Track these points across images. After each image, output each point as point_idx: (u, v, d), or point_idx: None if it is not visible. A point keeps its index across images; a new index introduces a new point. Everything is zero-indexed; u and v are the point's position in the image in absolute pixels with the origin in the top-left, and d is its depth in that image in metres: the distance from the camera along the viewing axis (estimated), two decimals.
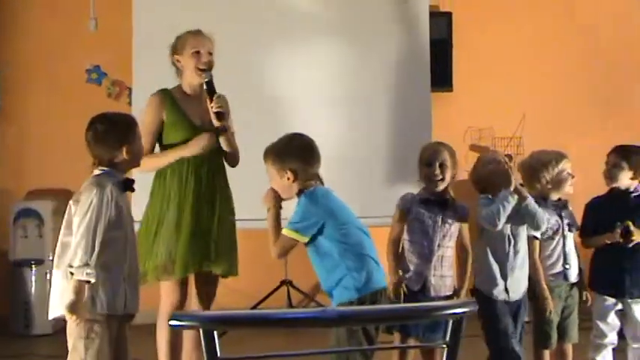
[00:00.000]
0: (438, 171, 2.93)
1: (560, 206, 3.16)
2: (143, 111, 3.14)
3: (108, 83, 5.22)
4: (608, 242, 3.20)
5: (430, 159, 2.95)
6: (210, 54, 3.09)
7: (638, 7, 5.39)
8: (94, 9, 5.06)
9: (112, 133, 2.51)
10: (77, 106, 4.65)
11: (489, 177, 3.02)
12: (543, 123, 5.26)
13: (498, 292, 2.93)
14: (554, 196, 3.16)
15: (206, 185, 3.09)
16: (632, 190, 3.30)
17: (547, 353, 3.12)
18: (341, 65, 4.82)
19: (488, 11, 5.41)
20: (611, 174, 3.30)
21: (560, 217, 3.14)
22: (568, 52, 5.43)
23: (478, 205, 2.98)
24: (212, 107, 3.03)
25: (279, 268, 4.86)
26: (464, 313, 1.28)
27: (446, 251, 2.94)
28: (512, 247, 2.96)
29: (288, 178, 2.58)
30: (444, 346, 1.28)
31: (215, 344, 1.24)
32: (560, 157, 3.17)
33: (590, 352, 3.31)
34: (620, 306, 3.25)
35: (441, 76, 5.03)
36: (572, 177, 3.15)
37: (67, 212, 2.48)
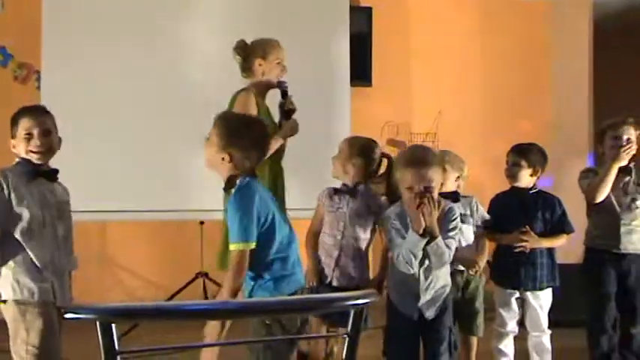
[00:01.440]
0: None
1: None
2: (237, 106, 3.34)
3: (14, 66, 5.00)
4: (506, 243, 3.33)
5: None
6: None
7: (550, 10, 5.60)
8: None
9: (17, 125, 2.51)
10: None
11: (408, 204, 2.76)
12: (458, 120, 5.40)
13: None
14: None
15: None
16: (530, 187, 3.42)
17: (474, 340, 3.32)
18: None
19: (408, 7, 5.50)
20: (511, 173, 3.39)
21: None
22: (485, 51, 5.59)
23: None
24: (285, 105, 3.47)
25: (195, 260, 4.81)
26: (365, 304, 1.30)
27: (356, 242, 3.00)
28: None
29: (223, 159, 2.44)
30: (345, 336, 1.29)
31: (113, 337, 1.21)
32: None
33: (493, 341, 3.44)
34: (517, 294, 3.38)
35: (361, 71, 5.08)
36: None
37: None
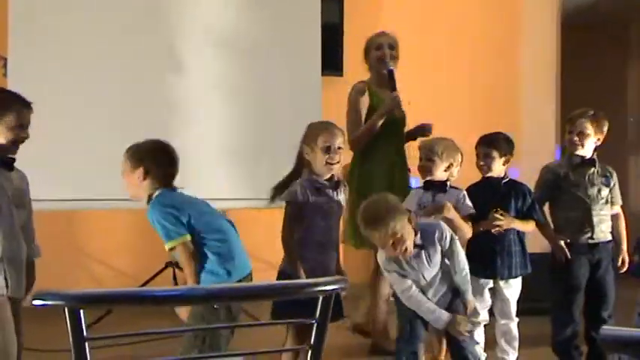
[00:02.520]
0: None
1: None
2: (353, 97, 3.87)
3: None
4: (482, 229, 3.37)
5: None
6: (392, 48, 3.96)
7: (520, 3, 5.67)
8: None
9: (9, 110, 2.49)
10: None
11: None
12: (427, 111, 5.43)
13: None
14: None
15: None
16: (502, 177, 3.47)
17: None
18: (229, 49, 4.76)
19: None
20: (485, 164, 3.42)
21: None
22: (454, 42, 5.64)
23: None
24: (393, 93, 3.78)
25: (164, 249, 4.78)
26: (334, 290, 1.32)
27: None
28: None
29: (138, 177, 2.66)
30: (314, 322, 1.31)
31: (81, 323, 1.21)
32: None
33: None
34: (491, 284, 3.44)
35: (332, 61, 5.09)
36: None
37: None
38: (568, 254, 3.43)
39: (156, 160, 2.69)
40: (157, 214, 2.60)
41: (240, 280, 2.57)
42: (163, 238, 2.62)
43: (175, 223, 2.57)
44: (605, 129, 3.49)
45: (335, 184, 2.96)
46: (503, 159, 3.42)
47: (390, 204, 2.70)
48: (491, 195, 3.40)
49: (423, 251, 2.80)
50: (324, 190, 2.92)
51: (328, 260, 2.94)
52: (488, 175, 3.44)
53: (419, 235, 2.78)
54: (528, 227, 3.43)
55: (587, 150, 3.48)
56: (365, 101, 3.84)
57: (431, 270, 2.84)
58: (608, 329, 0.94)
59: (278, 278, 2.90)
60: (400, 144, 3.88)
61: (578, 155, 3.48)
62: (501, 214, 3.33)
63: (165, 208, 2.61)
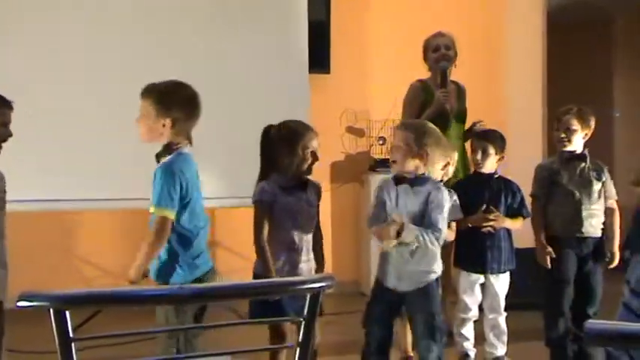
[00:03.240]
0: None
1: None
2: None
3: None
4: (471, 225, 3.38)
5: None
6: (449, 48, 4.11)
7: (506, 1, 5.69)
8: None
9: None
10: None
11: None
12: None
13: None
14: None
15: None
16: (493, 173, 3.49)
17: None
18: (218, 47, 4.74)
19: None
20: (482, 159, 3.46)
21: None
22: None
23: None
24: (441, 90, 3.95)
25: None
26: (322, 287, 1.32)
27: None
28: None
29: (164, 125, 2.49)
30: (301, 320, 1.31)
31: (67, 324, 1.20)
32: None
33: (454, 327, 3.50)
34: (482, 280, 3.45)
35: (319, 59, 5.08)
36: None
37: None
38: (553, 254, 3.43)
39: (186, 110, 2.52)
40: (166, 175, 2.45)
41: (205, 274, 2.53)
42: (152, 199, 2.48)
43: (173, 193, 2.43)
44: (592, 123, 3.51)
45: (303, 184, 2.94)
46: (498, 156, 3.46)
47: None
48: (481, 190, 3.43)
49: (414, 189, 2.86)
50: (292, 190, 2.89)
51: (299, 260, 2.90)
52: (480, 170, 3.46)
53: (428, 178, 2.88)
54: (517, 225, 3.47)
55: (575, 145, 3.50)
56: (420, 97, 4.06)
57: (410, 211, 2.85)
58: (592, 323, 0.95)
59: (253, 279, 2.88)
60: (451, 135, 3.86)
61: (567, 151, 3.50)
62: (493, 214, 3.35)
63: (175, 174, 2.46)
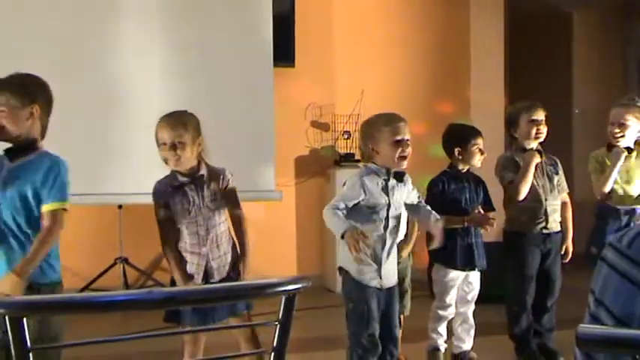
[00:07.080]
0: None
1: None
2: None
3: None
4: (457, 226, 3.35)
5: None
6: None
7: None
8: None
9: None
10: None
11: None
12: (381, 100, 5.42)
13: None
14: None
15: None
16: (463, 167, 3.47)
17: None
18: (181, 39, 4.64)
19: None
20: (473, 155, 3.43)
21: None
22: (406, 32, 5.62)
23: None
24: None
25: (113, 245, 4.67)
26: (297, 289, 1.26)
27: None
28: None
29: (32, 113, 2.42)
30: (276, 323, 1.25)
31: (24, 333, 1.11)
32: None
33: (430, 323, 3.47)
34: (464, 275, 3.43)
35: (283, 52, 5.01)
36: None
37: None
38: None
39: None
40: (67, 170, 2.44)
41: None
42: (55, 193, 2.46)
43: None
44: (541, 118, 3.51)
45: (198, 179, 2.74)
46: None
47: None
48: (460, 186, 3.41)
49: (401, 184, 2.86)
50: (183, 186, 2.71)
51: (208, 260, 2.70)
52: (455, 166, 3.45)
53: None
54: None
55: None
56: None
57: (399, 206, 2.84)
58: (585, 327, 0.91)
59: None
60: None
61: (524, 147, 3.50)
62: (486, 212, 3.35)
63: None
